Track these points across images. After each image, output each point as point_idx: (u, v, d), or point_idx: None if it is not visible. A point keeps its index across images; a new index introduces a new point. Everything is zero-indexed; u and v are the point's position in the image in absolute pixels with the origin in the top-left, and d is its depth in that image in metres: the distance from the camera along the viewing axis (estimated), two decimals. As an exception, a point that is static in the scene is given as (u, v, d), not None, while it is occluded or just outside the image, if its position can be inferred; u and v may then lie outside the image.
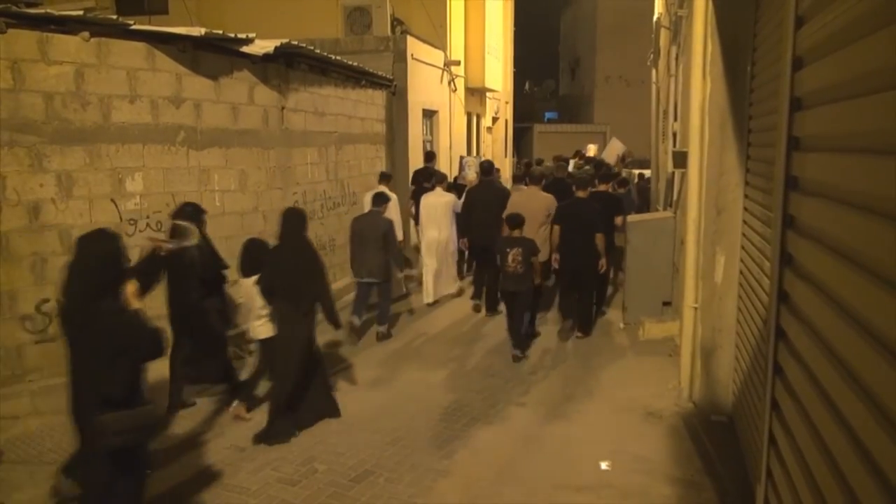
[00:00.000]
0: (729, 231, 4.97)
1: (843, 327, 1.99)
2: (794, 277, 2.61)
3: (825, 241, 2.23)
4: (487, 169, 8.87)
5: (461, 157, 13.29)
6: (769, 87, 3.87)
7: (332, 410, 5.29)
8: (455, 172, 12.65)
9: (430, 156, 11.11)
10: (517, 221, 6.67)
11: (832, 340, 2.11)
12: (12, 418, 5.02)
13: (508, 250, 6.55)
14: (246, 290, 5.18)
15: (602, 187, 8.35)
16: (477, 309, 8.49)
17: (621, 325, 7.78)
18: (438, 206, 8.58)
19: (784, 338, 2.69)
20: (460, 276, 9.64)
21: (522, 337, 6.87)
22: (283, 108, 7.61)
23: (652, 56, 13.34)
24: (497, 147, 20.21)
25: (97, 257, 3.15)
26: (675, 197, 7.90)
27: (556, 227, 7.19)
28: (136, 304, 3.18)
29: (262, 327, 5.13)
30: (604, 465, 4.52)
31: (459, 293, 9.17)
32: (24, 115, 5.16)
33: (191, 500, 4.16)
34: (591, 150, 16.54)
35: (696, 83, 5.07)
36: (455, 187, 9.96)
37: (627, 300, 7.80)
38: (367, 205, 7.64)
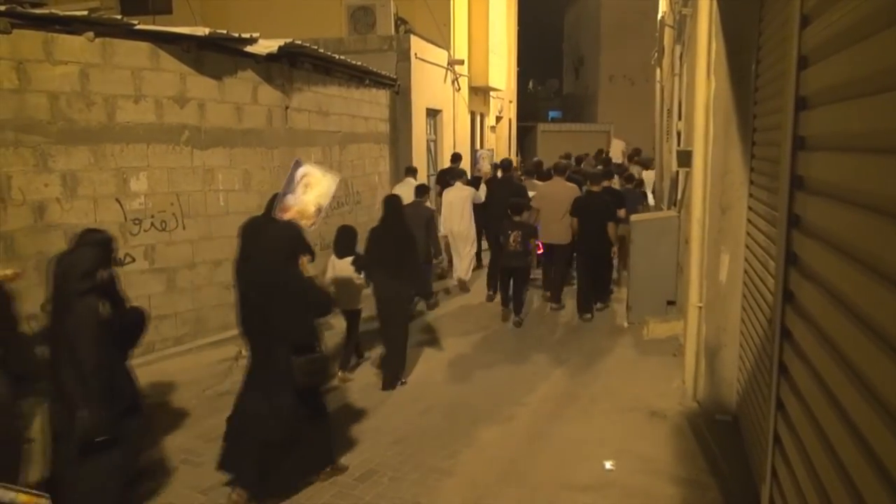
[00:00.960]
0: (733, 230, 4.96)
1: (848, 327, 1.98)
2: (799, 277, 2.60)
3: (831, 241, 2.22)
4: (507, 166, 10.47)
5: (475, 151, 14.16)
6: (774, 85, 3.86)
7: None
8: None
9: (456, 157, 11.73)
10: (519, 208, 7.76)
11: (837, 340, 2.10)
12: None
13: (510, 232, 7.60)
14: (341, 268, 5.96)
15: (605, 183, 8.89)
16: (490, 299, 8.85)
17: (625, 325, 7.77)
18: (459, 199, 9.22)
19: (789, 337, 2.68)
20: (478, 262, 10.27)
21: (519, 305, 7.88)
22: (286, 107, 7.62)
23: (656, 55, 13.32)
24: (501, 146, 20.20)
25: (283, 238, 4.07)
26: (679, 196, 7.89)
27: (575, 219, 8.09)
28: (309, 272, 4.10)
29: (352, 300, 5.98)
30: (608, 465, 4.52)
31: (466, 289, 9.40)
32: (29, 114, 5.18)
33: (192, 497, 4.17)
34: (617, 146, 16.63)
35: (700, 82, 5.06)
36: (472, 180, 10.51)
37: (632, 299, 7.79)
38: (408, 196, 7.98)
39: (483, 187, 9.83)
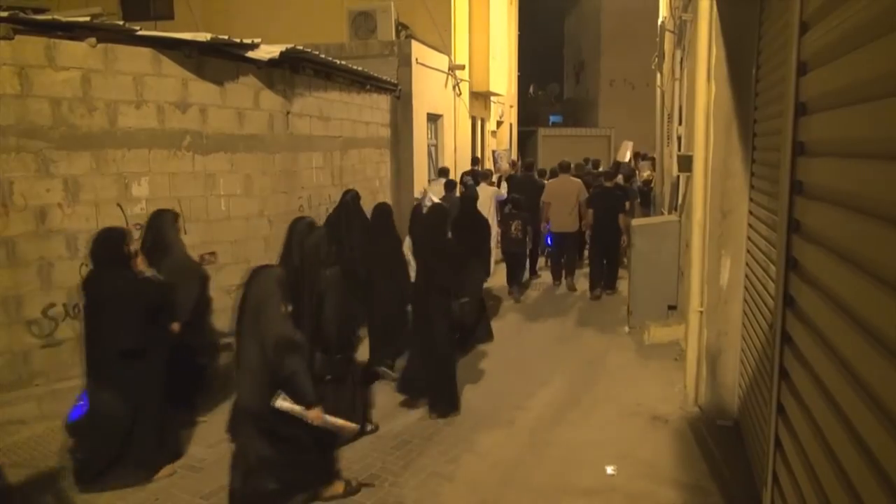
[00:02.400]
0: (734, 234, 4.97)
1: (849, 332, 1.99)
2: (799, 282, 2.61)
3: (831, 246, 2.23)
4: (529, 165, 11.90)
5: (493, 151, 15.42)
6: (774, 91, 3.88)
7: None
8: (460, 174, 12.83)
9: (475, 160, 13.30)
10: (519, 202, 9.27)
11: (838, 345, 2.10)
12: (19, 423, 5.04)
13: (511, 222, 9.05)
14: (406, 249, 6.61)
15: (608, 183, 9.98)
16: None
17: (626, 329, 7.77)
18: (486, 197, 9.51)
19: (790, 342, 2.68)
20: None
21: (518, 285, 9.46)
22: (288, 112, 7.64)
23: (656, 59, 13.34)
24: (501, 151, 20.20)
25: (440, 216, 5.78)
26: (679, 200, 7.89)
27: (590, 211, 9.29)
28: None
29: None
30: (609, 470, 4.51)
31: None
32: (31, 120, 5.19)
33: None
34: (626, 148, 16.97)
35: (700, 86, 5.07)
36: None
37: (633, 304, 7.79)
38: (433, 193, 8.66)
39: (503, 185, 10.92)
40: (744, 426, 4.65)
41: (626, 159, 14.89)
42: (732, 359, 5.03)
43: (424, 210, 7.03)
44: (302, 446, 3.92)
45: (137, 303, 4.25)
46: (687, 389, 5.47)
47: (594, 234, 9.41)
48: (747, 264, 4.80)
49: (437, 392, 5.46)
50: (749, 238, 4.78)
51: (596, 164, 14.04)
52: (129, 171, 5.81)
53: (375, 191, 10.41)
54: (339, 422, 4.04)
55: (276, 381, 3.73)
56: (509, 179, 11.08)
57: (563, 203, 9.52)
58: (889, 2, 1.75)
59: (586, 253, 10.48)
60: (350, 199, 7.26)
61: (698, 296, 5.22)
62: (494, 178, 11.59)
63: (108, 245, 4.33)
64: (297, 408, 3.75)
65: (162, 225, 5.12)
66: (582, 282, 9.91)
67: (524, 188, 10.26)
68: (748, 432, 4.42)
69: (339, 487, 4.16)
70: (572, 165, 10.35)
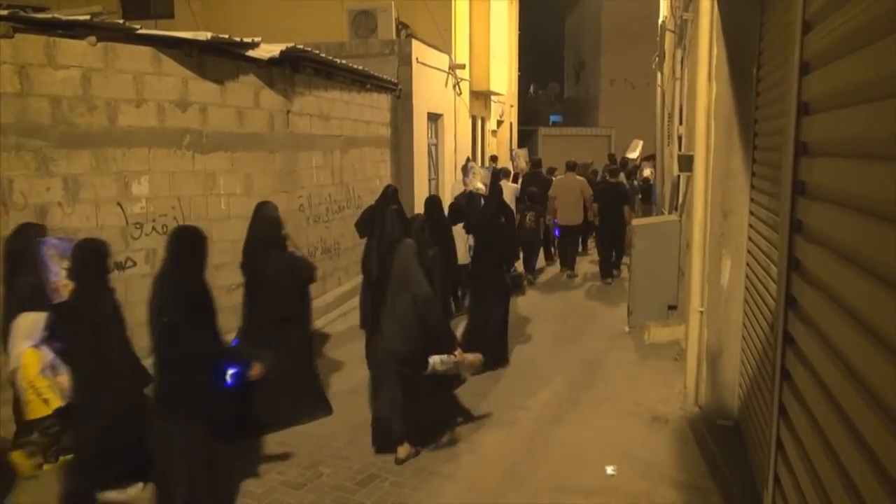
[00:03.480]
0: (735, 234, 4.96)
1: (852, 333, 1.98)
2: (801, 283, 2.60)
3: (833, 247, 2.22)
4: (538, 162, 12.93)
5: (511, 150, 16.33)
6: (776, 90, 3.87)
7: None
8: (460, 174, 12.91)
9: (493, 158, 14.55)
10: (535, 196, 10.27)
11: (841, 346, 2.10)
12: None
13: (526, 213, 10.02)
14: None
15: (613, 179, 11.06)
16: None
17: (626, 329, 7.76)
18: (506, 193, 9.91)
19: (792, 343, 2.67)
20: None
21: (532, 269, 10.40)
22: (288, 111, 7.63)
23: (657, 59, 13.34)
24: (502, 150, 20.18)
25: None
26: (680, 200, 7.89)
27: (596, 205, 10.40)
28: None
29: None
30: (609, 470, 4.51)
31: None
32: (31, 119, 5.18)
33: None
34: (637, 145, 17.36)
35: (701, 86, 5.06)
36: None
37: (633, 304, 7.79)
38: (478, 181, 9.57)
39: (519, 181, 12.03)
40: (744, 426, 4.65)
41: (636, 155, 15.63)
42: (733, 359, 5.03)
43: (467, 189, 9.18)
44: (425, 393, 4.78)
45: (293, 277, 5.26)
46: (687, 389, 5.46)
47: (601, 225, 10.44)
48: (748, 264, 4.79)
49: (495, 348, 6.41)
50: (750, 238, 4.77)
51: (613, 160, 15.07)
52: (129, 169, 5.80)
53: (375, 190, 10.37)
54: (470, 357, 4.90)
55: (423, 328, 4.57)
56: (525, 176, 12.26)
57: (569, 198, 10.53)
58: (892, 1, 1.75)
59: (591, 243, 12.18)
60: (391, 193, 7.87)
61: (699, 296, 5.21)
62: (512, 175, 12.69)
63: (269, 231, 5.33)
64: (448, 359, 4.66)
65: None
66: (588, 266, 11.38)
67: (534, 183, 11.21)
68: (748, 432, 4.41)
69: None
70: (578, 165, 11.35)
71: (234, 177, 6.83)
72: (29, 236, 4.45)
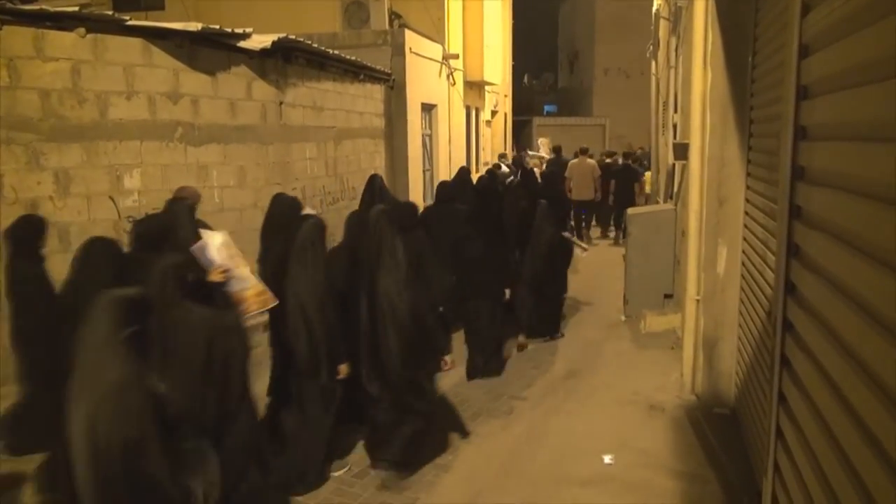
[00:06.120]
0: (731, 222, 4.94)
1: (853, 318, 1.96)
2: (801, 269, 2.58)
3: (834, 232, 2.20)
4: (557, 149, 15.05)
5: (538, 139, 18.58)
6: (772, 76, 3.84)
7: None
8: (454, 166, 12.98)
9: (502, 156, 16.08)
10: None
11: (842, 332, 2.08)
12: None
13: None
14: None
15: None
16: None
17: (623, 318, 7.76)
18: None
19: (791, 330, 2.66)
20: None
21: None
22: (281, 103, 7.56)
23: (651, 48, 13.29)
24: (496, 140, 20.12)
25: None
26: (675, 189, 7.88)
27: (613, 181, 13.11)
28: None
29: None
30: (607, 459, 4.51)
31: None
32: (20, 112, 5.11)
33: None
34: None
35: (696, 74, 5.03)
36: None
37: (629, 293, 7.78)
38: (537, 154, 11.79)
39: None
40: (741, 414, 4.65)
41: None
42: (729, 347, 5.02)
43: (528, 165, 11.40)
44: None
45: None
46: (684, 378, 5.46)
47: (616, 198, 12.99)
48: (744, 252, 4.78)
49: (548, 324, 7.04)
50: (746, 225, 4.75)
51: (627, 155, 16.64)
52: (120, 163, 5.74)
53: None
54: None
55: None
56: (547, 163, 14.05)
57: (582, 178, 12.82)
58: (895, -19, 1.72)
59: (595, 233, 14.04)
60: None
61: (695, 284, 5.20)
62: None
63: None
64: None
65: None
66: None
67: (557, 167, 13.16)
68: (746, 420, 4.41)
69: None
70: (589, 150, 13.68)
71: (227, 169, 6.77)
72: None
